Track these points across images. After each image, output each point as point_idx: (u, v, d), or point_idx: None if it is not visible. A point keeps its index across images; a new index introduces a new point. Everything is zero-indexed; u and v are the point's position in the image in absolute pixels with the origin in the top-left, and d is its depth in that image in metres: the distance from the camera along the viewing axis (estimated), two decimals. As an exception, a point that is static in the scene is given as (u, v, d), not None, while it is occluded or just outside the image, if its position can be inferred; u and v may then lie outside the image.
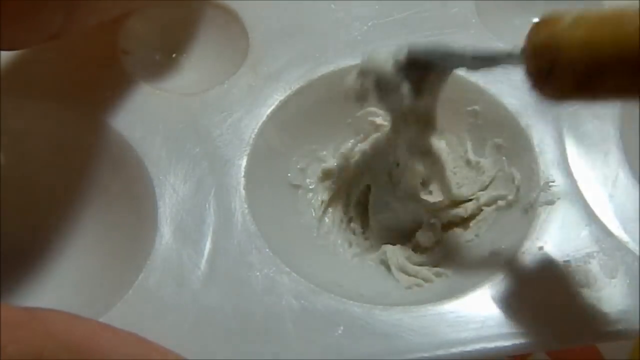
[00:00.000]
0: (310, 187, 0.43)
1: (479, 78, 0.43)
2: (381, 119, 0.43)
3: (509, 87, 0.42)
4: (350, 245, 0.42)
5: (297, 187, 0.43)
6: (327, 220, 0.43)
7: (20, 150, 0.42)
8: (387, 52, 0.38)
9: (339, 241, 0.42)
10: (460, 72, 0.42)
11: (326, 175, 0.43)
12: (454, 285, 0.38)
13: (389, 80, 0.38)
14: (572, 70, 0.31)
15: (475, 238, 0.41)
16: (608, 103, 0.40)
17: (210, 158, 0.40)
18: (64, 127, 0.42)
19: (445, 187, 0.41)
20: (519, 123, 0.41)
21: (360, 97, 0.39)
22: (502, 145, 0.42)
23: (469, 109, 0.43)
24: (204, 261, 0.37)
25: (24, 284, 0.40)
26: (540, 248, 0.38)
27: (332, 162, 0.43)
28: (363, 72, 0.39)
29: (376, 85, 0.38)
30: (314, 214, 0.42)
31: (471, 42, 0.44)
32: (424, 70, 0.38)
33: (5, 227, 0.41)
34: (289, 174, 0.43)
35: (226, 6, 0.46)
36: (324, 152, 0.44)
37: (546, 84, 0.32)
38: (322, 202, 0.42)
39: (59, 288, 0.40)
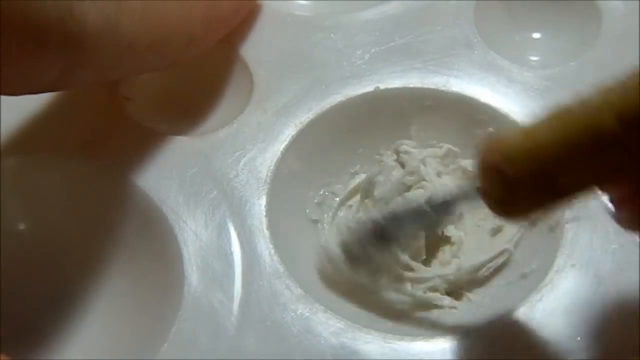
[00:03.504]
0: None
1: (490, 99, 0.43)
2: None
3: (521, 106, 0.42)
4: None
5: (316, 221, 0.42)
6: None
7: (33, 209, 0.41)
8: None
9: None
10: (470, 93, 0.43)
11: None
12: (489, 309, 0.38)
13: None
14: (528, 178, 0.30)
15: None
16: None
17: (229, 200, 0.40)
18: (76, 181, 0.41)
19: None
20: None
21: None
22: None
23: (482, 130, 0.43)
24: (236, 306, 0.37)
25: (50, 347, 0.39)
26: (573, 265, 0.37)
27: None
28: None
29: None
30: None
31: (477, 63, 0.44)
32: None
33: (28, 289, 0.40)
34: (307, 210, 0.42)
35: (226, 45, 0.45)
36: (339, 186, 0.43)
37: (506, 203, 0.31)
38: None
39: (88, 348, 0.39)
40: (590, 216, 0.39)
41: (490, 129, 0.42)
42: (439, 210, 0.36)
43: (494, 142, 0.31)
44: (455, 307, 0.39)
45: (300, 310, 0.37)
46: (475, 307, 0.39)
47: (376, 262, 0.39)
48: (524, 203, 0.31)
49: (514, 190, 0.31)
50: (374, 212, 0.39)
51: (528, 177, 0.30)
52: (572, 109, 0.30)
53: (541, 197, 0.31)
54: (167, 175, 0.40)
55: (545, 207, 0.32)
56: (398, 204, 0.39)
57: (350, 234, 0.38)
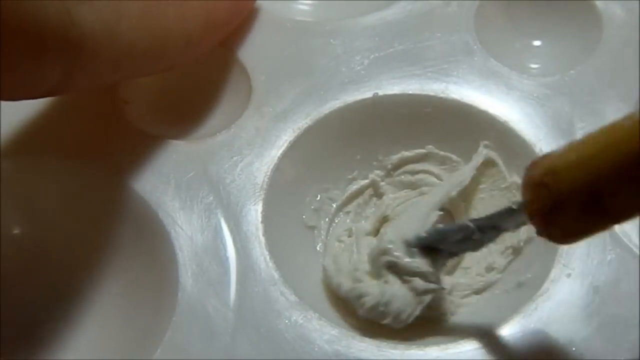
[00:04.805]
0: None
1: (489, 106, 0.42)
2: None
3: (520, 114, 0.42)
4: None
5: (313, 228, 0.42)
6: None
7: (29, 212, 0.41)
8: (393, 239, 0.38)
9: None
10: (469, 100, 0.43)
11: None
12: (483, 318, 0.38)
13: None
14: (574, 194, 0.29)
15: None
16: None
17: (225, 205, 0.40)
18: (72, 184, 0.41)
19: None
20: (534, 150, 0.41)
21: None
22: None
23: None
24: (230, 312, 0.37)
25: (45, 351, 0.39)
26: (569, 275, 0.37)
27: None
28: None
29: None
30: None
31: (477, 69, 0.44)
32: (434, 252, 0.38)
33: (24, 291, 0.40)
34: (304, 216, 0.42)
35: (225, 49, 0.45)
36: (336, 192, 0.43)
37: (554, 222, 0.31)
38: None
39: (82, 352, 0.38)
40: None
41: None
42: (485, 230, 0.36)
43: (539, 158, 0.31)
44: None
45: (294, 318, 0.36)
46: (470, 316, 0.39)
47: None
48: (571, 224, 0.30)
49: (560, 207, 0.30)
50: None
51: (573, 192, 0.29)
52: (621, 126, 0.29)
53: (589, 218, 0.30)
54: (164, 180, 0.40)
55: (594, 229, 0.31)
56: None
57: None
